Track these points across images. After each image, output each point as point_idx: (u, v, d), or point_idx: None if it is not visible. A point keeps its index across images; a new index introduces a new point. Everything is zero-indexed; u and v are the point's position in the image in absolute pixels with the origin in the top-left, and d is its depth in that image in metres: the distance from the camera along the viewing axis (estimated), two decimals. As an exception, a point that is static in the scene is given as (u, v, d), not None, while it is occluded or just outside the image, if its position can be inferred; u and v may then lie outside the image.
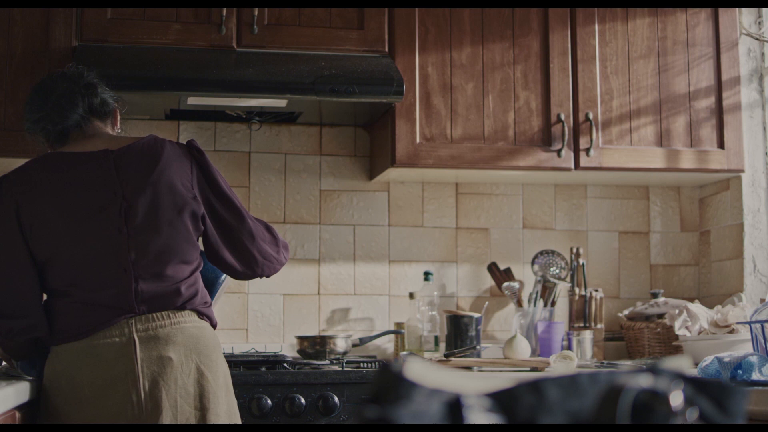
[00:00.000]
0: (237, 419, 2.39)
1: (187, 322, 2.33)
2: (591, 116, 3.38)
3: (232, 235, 2.45)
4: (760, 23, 3.64)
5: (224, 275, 2.67)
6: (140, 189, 2.34)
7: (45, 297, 2.39)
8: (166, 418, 2.24)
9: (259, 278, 2.57)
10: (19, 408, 2.23)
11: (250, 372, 2.85)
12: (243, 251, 2.47)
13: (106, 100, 2.48)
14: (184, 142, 2.49)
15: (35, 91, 2.48)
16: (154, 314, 2.30)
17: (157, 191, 2.34)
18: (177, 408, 2.25)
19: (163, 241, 2.33)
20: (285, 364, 2.96)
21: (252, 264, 2.49)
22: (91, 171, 2.35)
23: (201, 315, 2.38)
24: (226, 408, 2.34)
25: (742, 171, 3.48)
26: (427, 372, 0.77)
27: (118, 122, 2.54)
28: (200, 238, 2.47)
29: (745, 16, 3.62)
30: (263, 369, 2.91)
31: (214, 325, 2.43)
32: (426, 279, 3.52)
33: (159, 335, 2.28)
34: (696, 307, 3.25)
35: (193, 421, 2.27)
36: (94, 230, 2.32)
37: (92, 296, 2.31)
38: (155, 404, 2.24)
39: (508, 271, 3.61)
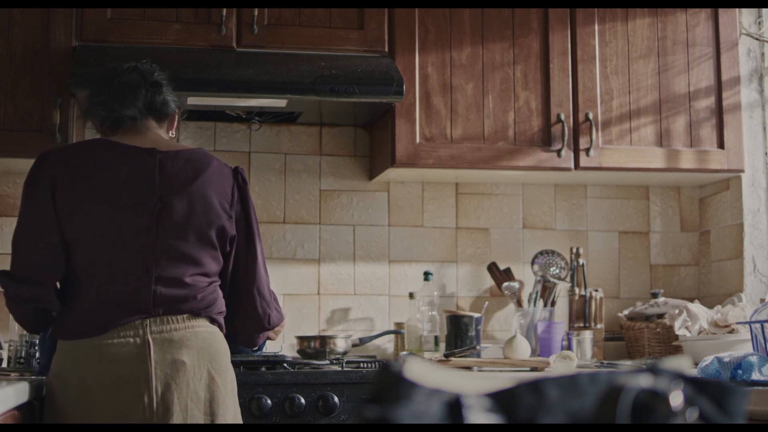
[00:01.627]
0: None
1: (200, 327, 2.33)
2: (591, 116, 3.38)
3: (234, 265, 2.45)
4: (760, 23, 3.64)
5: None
6: (178, 195, 2.33)
7: (63, 285, 2.37)
8: (176, 422, 2.23)
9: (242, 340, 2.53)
10: (19, 408, 2.23)
11: (250, 372, 2.85)
12: (235, 288, 2.45)
13: (168, 102, 2.48)
14: (232, 167, 2.49)
15: (103, 74, 2.49)
16: (169, 317, 2.29)
17: (193, 201, 2.34)
18: (187, 412, 2.24)
19: (189, 250, 2.33)
20: (285, 364, 2.96)
21: (236, 305, 2.45)
22: (134, 165, 2.35)
23: (213, 321, 2.37)
24: (233, 415, 2.34)
25: (742, 171, 3.48)
26: (427, 372, 0.77)
27: (174, 127, 2.54)
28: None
29: (745, 16, 3.62)
30: (263, 369, 2.91)
31: (223, 333, 2.43)
32: (426, 279, 3.52)
33: (173, 338, 2.28)
34: (696, 307, 3.25)
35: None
36: (124, 223, 2.31)
37: (109, 291, 2.29)
38: (166, 407, 2.23)
39: (508, 271, 3.60)
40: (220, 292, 2.41)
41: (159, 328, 2.27)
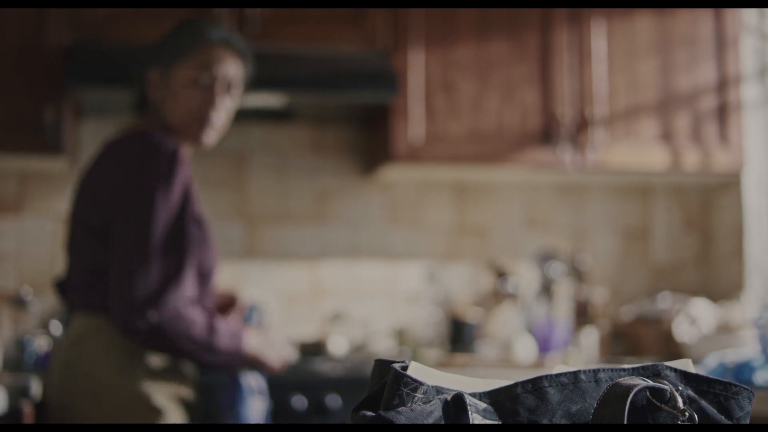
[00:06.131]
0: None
1: (83, 324, 2.23)
2: (592, 115, 3.37)
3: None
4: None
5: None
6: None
7: None
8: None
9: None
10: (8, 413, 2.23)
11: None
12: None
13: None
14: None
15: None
16: (73, 312, 2.26)
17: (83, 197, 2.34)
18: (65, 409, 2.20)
19: (75, 246, 2.31)
20: (284, 365, 2.95)
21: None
22: None
23: (91, 313, 2.21)
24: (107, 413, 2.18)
25: (746, 170, 3.47)
26: (427, 372, 0.76)
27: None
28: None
29: (749, 13, 3.61)
30: (262, 369, 2.90)
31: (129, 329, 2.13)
32: (426, 279, 3.52)
33: (69, 334, 2.25)
34: (698, 307, 3.25)
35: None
36: None
37: None
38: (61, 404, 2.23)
39: (508, 271, 3.60)
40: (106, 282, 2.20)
41: (71, 323, 2.26)
